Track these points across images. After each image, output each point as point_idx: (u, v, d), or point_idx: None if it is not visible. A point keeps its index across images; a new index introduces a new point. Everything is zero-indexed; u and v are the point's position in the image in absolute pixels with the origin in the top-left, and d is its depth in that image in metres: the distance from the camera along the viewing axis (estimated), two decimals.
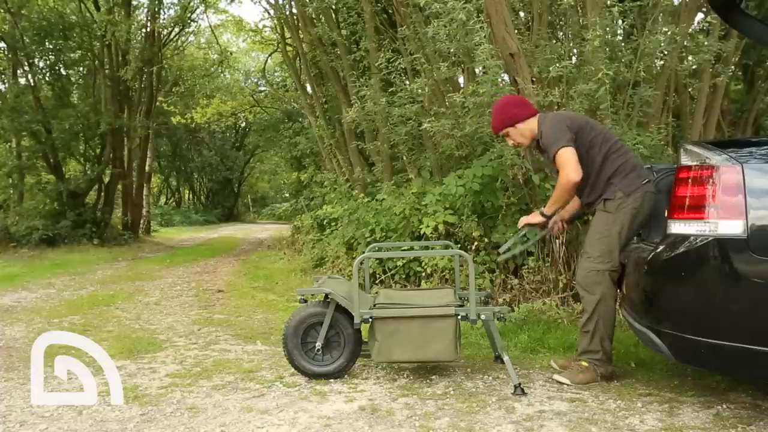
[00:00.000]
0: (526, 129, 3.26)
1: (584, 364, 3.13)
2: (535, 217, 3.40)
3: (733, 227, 2.29)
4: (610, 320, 3.11)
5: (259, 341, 4.23)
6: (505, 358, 3.07)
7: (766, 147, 2.60)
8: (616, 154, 3.15)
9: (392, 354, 3.12)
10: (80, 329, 4.69)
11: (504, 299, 4.63)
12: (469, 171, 5.04)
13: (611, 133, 3.38)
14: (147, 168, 18.34)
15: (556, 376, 3.17)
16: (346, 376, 3.34)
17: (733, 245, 2.29)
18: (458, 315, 3.08)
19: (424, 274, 5.36)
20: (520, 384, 2.98)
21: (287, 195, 25.84)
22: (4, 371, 3.57)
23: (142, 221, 17.58)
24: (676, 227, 2.49)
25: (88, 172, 14.38)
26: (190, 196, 36.39)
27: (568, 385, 3.08)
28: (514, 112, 3.26)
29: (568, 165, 3.03)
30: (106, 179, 14.71)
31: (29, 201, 13.71)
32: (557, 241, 4.69)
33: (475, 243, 5.02)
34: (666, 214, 2.67)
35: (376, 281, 5.68)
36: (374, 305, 3.22)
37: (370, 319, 3.13)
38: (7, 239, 12.18)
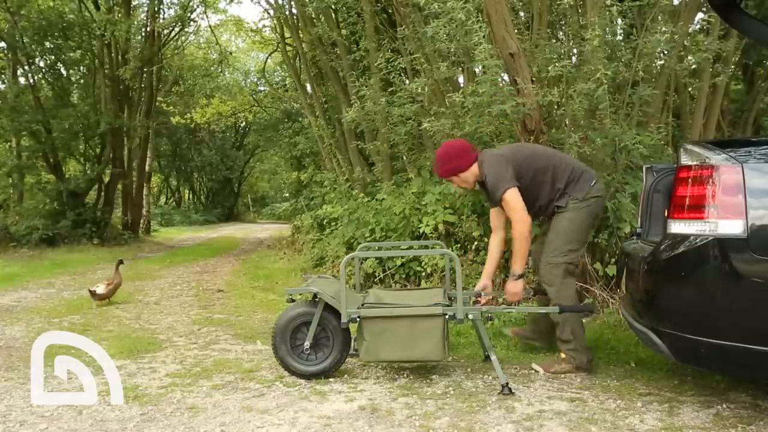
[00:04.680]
0: (469, 175, 3.41)
1: (562, 355, 3.32)
2: (518, 286, 3.31)
3: (733, 227, 2.29)
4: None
5: (259, 341, 4.23)
6: (493, 357, 3.09)
7: (765, 147, 2.60)
8: (562, 170, 3.36)
9: (380, 353, 3.15)
10: (80, 329, 4.69)
11: (504, 299, 4.62)
12: None
13: (553, 150, 3.66)
14: (147, 168, 18.31)
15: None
16: (346, 375, 3.34)
17: (733, 245, 2.29)
18: (446, 314, 3.10)
19: (424, 273, 5.37)
20: (507, 383, 3.00)
21: (287, 195, 25.83)
22: (4, 371, 3.57)
23: (142, 221, 17.55)
24: (676, 227, 2.49)
25: (88, 171, 14.36)
26: (190, 195, 36.36)
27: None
28: (456, 163, 3.39)
29: (517, 212, 3.20)
30: (106, 179, 14.68)
31: (29, 201, 13.69)
32: None
33: (475, 243, 5.02)
34: (666, 214, 2.67)
35: (376, 281, 5.68)
36: (363, 305, 3.24)
37: (358, 319, 3.15)
38: (7, 239, 12.16)
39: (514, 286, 3.31)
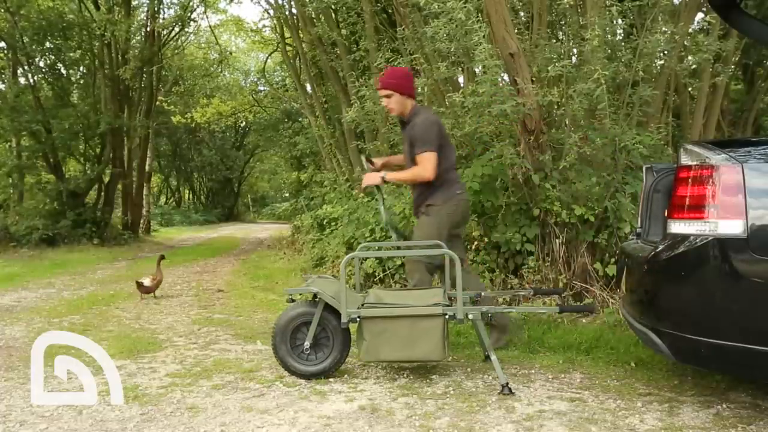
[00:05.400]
0: (403, 103, 3.67)
1: None
2: (376, 179, 3.64)
3: (733, 227, 2.29)
4: None
5: (259, 341, 4.23)
6: (493, 357, 3.08)
7: (765, 147, 2.60)
8: (452, 169, 3.72)
9: (380, 353, 3.15)
10: (80, 329, 4.69)
11: (504, 299, 4.63)
12: (468, 170, 5.04)
13: (453, 149, 3.92)
14: (147, 168, 18.32)
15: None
16: (346, 375, 3.34)
17: (733, 245, 2.29)
18: (446, 314, 3.10)
19: None
20: (507, 383, 3.00)
21: (287, 195, 25.83)
22: (4, 371, 3.57)
23: (142, 221, 17.56)
24: (676, 227, 2.49)
25: (88, 171, 14.36)
26: (190, 195, 36.36)
27: None
28: (406, 85, 3.68)
29: (430, 165, 3.52)
30: (106, 179, 14.68)
31: (29, 201, 13.70)
32: (557, 240, 4.70)
33: (475, 243, 5.01)
34: (666, 214, 2.67)
35: (376, 280, 5.68)
36: (363, 305, 3.24)
37: (358, 319, 3.15)
38: (7, 239, 12.16)
39: (374, 177, 3.62)
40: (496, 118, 4.61)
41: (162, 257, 6.67)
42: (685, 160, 2.53)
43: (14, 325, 4.93)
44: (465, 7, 4.48)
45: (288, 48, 12.23)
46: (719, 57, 5.94)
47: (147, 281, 6.22)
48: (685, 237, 2.44)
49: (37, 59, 13.46)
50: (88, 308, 5.71)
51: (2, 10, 12.16)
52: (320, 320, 3.25)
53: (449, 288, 3.61)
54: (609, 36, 5.24)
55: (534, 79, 4.77)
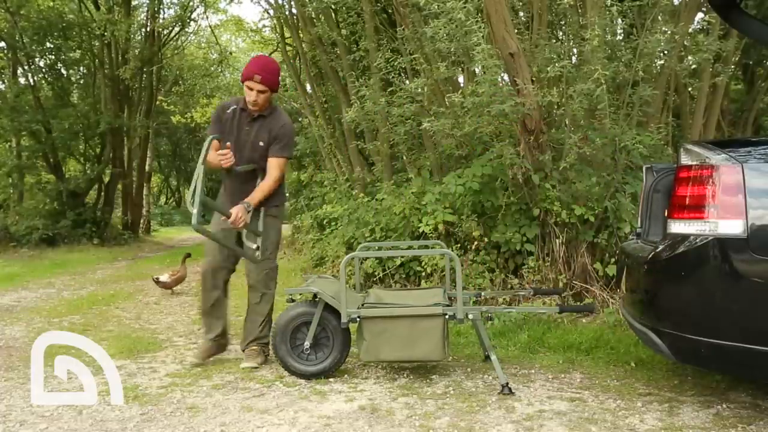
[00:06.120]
0: (267, 98, 3.56)
1: (255, 348, 3.58)
2: (245, 215, 3.41)
3: (733, 227, 2.29)
4: None
5: None
6: (493, 357, 3.09)
7: (765, 147, 2.60)
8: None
9: (380, 353, 3.16)
10: (80, 329, 4.69)
11: (504, 299, 4.63)
12: (468, 170, 5.04)
13: None
14: (147, 168, 18.28)
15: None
16: (346, 375, 3.34)
17: (733, 245, 2.29)
18: (446, 314, 3.10)
19: (424, 273, 5.36)
20: (507, 383, 3.00)
21: (287, 194, 25.84)
22: (4, 371, 3.57)
23: (142, 221, 17.54)
24: (676, 227, 2.49)
25: (88, 171, 14.34)
26: None
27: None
28: (277, 82, 3.59)
29: (283, 172, 3.69)
30: (106, 179, 14.67)
31: (29, 201, 13.68)
32: (557, 240, 4.70)
33: (475, 243, 5.01)
34: (666, 214, 2.67)
35: (376, 280, 5.68)
36: (363, 305, 3.25)
37: (358, 319, 3.16)
38: (7, 239, 12.16)
39: (242, 214, 3.38)
40: (495, 118, 4.60)
41: (188, 255, 6.73)
42: (685, 160, 2.53)
43: (14, 325, 4.93)
44: (465, 7, 4.47)
45: (288, 48, 12.22)
46: (719, 57, 5.93)
47: (164, 277, 6.29)
48: (685, 237, 2.44)
49: (37, 59, 13.44)
50: (88, 308, 5.71)
51: (2, 10, 12.15)
52: (320, 320, 3.25)
53: (449, 288, 3.62)
54: (609, 36, 5.23)
55: (534, 79, 4.77)
